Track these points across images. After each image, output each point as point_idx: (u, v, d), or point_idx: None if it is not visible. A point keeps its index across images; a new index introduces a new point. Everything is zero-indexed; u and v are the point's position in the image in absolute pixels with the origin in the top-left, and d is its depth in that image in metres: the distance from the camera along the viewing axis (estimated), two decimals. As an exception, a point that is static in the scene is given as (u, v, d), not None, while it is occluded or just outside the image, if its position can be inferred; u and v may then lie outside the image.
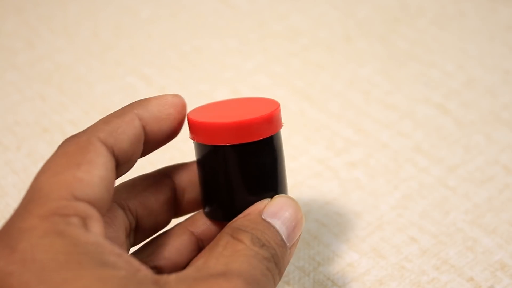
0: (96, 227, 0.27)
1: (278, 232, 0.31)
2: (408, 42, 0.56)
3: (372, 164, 0.45)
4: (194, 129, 0.32)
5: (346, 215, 0.42)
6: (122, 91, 0.52)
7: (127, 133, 0.30)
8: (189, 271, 0.28)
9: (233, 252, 0.29)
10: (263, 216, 0.31)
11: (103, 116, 0.31)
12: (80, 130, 0.30)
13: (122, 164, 0.30)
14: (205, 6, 0.62)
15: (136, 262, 0.27)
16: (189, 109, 0.34)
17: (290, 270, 0.39)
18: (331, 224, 0.41)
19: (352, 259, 0.39)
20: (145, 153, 0.32)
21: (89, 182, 0.28)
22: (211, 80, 0.54)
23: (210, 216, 0.34)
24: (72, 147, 0.29)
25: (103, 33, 0.59)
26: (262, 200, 0.32)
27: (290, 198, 0.32)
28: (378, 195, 0.43)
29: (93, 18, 0.61)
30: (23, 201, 0.28)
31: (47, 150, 0.47)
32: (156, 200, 0.33)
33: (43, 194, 0.27)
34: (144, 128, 0.31)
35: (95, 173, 0.28)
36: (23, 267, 0.25)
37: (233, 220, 0.31)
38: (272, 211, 0.31)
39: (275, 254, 0.30)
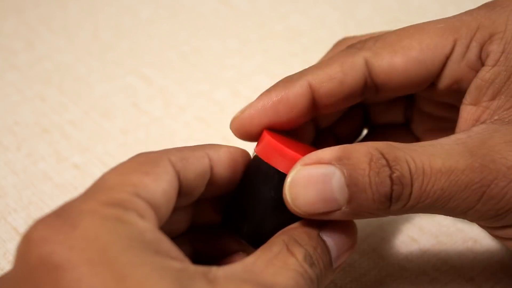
0: (151, 220, 0.28)
1: (329, 253, 0.30)
2: (408, 42, 0.56)
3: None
4: (270, 150, 0.32)
5: (346, 215, 0.42)
6: (122, 91, 0.52)
7: (195, 164, 0.31)
8: (237, 268, 0.28)
9: (283, 264, 0.29)
10: (320, 233, 0.31)
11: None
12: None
13: (183, 194, 0.31)
14: (205, 6, 0.62)
15: (181, 253, 0.27)
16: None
17: (290, 270, 0.39)
18: (331, 224, 0.41)
19: (352, 259, 0.39)
20: (205, 194, 0.32)
21: (153, 190, 0.28)
22: (211, 80, 0.54)
23: (231, 229, 0.33)
24: (142, 158, 0.30)
25: (103, 33, 0.59)
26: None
27: (351, 221, 0.31)
28: (378, 195, 0.43)
29: (93, 18, 0.61)
30: (85, 191, 0.28)
31: (47, 150, 0.47)
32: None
33: (107, 186, 0.28)
34: (211, 168, 0.31)
35: (159, 184, 0.29)
36: (86, 244, 0.25)
37: (292, 226, 0.31)
38: (331, 229, 0.31)
39: (320, 275, 0.30)
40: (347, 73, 0.33)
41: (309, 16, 0.60)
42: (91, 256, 0.25)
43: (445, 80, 0.33)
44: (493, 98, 0.32)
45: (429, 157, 0.29)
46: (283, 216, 0.31)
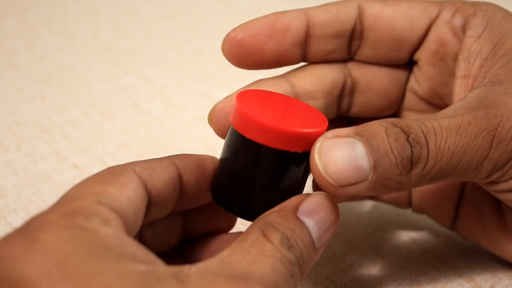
0: (116, 225, 0.27)
1: (309, 233, 0.30)
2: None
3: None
4: (244, 121, 0.31)
5: (346, 215, 0.42)
6: (122, 91, 0.52)
7: (162, 173, 0.31)
8: (212, 263, 0.28)
9: (260, 251, 0.28)
10: (297, 214, 0.30)
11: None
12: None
13: (155, 205, 0.30)
14: (205, 6, 0.62)
15: (152, 255, 0.27)
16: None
17: (290, 270, 0.39)
18: (331, 224, 0.41)
19: (352, 259, 0.39)
20: (182, 205, 0.32)
21: (116, 197, 0.28)
22: (211, 80, 0.54)
23: (220, 203, 0.32)
24: (107, 171, 0.30)
25: (103, 33, 0.59)
26: (301, 195, 0.31)
27: (329, 197, 0.31)
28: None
29: (93, 18, 0.61)
30: (51, 206, 0.28)
31: (47, 150, 0.47)
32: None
33: (70, 198, 0.28)
34: (181, 177, 0.31)
35: (124, 192, 0.29)
36: (43, 257, 0.25)
37: (268, 212, 0.30)
38: (308, 208, 0.30)
39: (301, 257, 0.29)
40: (341, 9, 0.36)
41: (309, 16, 0.60)
42: (49, 269, 0.25)
43: (431, 45, 0.36)
44: (481, 65, 0.33)
45: (436, 120, 0.31)
46: (273, 189, 0.31)
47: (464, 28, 0.35)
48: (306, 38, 0.36)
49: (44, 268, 0.25)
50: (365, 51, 0.37)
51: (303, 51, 0.36)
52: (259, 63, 0.35)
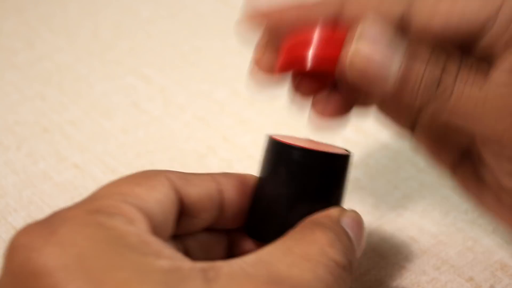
0: (141, 225, 0.27)
1: (353, 244, 0.29)
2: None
3: (372, 164, 0.45)
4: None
5: (346, 215, 0.42)
6: (122, 91, 0.52)
7: (198, 185, 0.30)
8: (248, 261, 0.26)
9: (304, 252, 0.27)
10: (341, 221, 0.30)
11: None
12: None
13: (190, 214, 0.30)
14: (205, 6, 0.62)
15: (180, 254, 0.26)
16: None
17: (290, 270, 0.38)
18: (331, 224, 0.41)
19: (352, 259, 0.39)
20: (224, 223, 0.32)
21: (144, 198, 0.28)
22: (211, 80, 0.54)
23: (256, 238, 0.32)
24: (139, 174, 0.30)
25: (103, 33, 0.59)
26: (333, 208, 0.31)
27: (361, 218, 0.31)
28: (378, 195, 0.43)
29: (93, 18, 0.61)
30: (77, 202, 0.28)
31: (47, 150, 0.47)
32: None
33: (97, 196, 0.28)
34: (222, 193, 0.31)
35: (152, 194, 0.28)
36: (61, 250, 0.25)
37: (314, 215, 0.30)
38: (349, 222, 0.30)
39: (349, 263, 0.28)
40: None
41: (309, 16, 0.60)
42: (67, 262, 0.25)
43: (490, 38, 0.32)
44: None
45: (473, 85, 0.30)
46: (303, 208, 0.31)
47: None
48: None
49: (61, 260, 0.25)
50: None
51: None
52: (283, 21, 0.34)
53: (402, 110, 0.32)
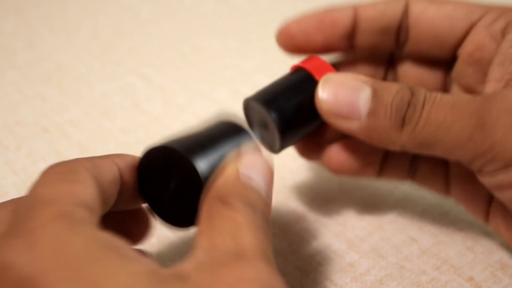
0: (97, 225, 0.27)
1: (259, 193, 0.30)
2: (408, 42, 0.56)
3: (372, 164, 0.45)
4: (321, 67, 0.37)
5: (346, 215, 0.42)
6: (122, 91, 0.52)
7: (107, 171, 0.31)
8: (200, 256, 0.27)
9: (233, 223, 0.28)
10: (241, 178, 0.30)
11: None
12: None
13: (104, 202, 0.30)
14: (205, 6, 0.62)
15: (139, 253, 0.27)
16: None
17: (290, 270, 0.39)
18: (331, 224, 0.41)
19: (352, 259, 0.39)
20: (118, 206, 0.32)
21: (86, 195, 0.28)
22: (211, 80, 0.54)
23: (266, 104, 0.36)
24: (61, 169, 0.29)
25: (103, 33, 0.59)
26: (231, 156, 0.31)
27: (256, 146, 0.31)
28: (378, 195, 0.43)
29: (93, 18, 0.61)
30: (21, 209, 0.27)
31: (47, 150, 0.47)
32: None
33: (46, 200, 0.27)
34: (120, 176, 0.31)
35: (87, 191, 0.28)
36: (51, 262, 0.25)
37: (212, 183, 0.30)
38: (246, 171, 0.30)
39: (265, 216, 0.29)
40: (389, 5, 0.38)
41: (309, 16, 0.60)
42: (59, 276, 0.25)
43: (468, 46, 0.37)
44: None
45: (443, 94, 0.34)
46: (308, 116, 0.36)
47: (503, 33, 0.35)
48: (353, 32, 0.38)
49: (53, 275, 0.25)
50: (410, 46, 0.39)
51: (351, 42, 0.39)
52: (308, 50, 0.39)
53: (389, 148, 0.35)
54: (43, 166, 0.45)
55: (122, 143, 0.48)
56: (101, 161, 0.31)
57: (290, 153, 0.46)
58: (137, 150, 0.46)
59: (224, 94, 0.52)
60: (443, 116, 0.33)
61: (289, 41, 0.39)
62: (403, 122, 0.33)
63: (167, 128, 0.49)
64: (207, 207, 0.29)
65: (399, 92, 0.34)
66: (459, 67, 0.38)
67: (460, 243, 0.40)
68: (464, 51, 0.37)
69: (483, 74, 0.36)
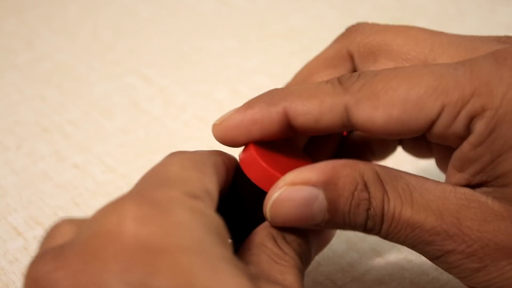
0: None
1: (310, 247, 0.32)
2: (408, 42, 0.56)
3: (372, 164, 0.45)
4: (252, 164, 0.32)
5: (346, 215, 0.42)
6: (122, 91, 0.52)
7: (222, 172, 0.31)
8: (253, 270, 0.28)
9: (284, 261, 0.29)
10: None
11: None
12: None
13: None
14: (205, 6, 0.62)
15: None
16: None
17: (290, 270, 0.39)
18: (331, 224, 0.41)
19: (352, 259, 0.39)
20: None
21: (210, 188, 0.28)
22: (211, 80, 0.54)
23: None
24: (191, 155, 0.30)
25: (103, 33, 0.59)
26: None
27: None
28: (378, 195, 0.43)
29: (93, 18, 0.61)
30: (150, 179, 0.28)
31: (47, 150, 0.47)
32: None
33: (179, 178, 0.28)
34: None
35: (213, 184, 0.29)
36: (181, 232, 0.25)
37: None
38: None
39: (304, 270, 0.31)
40: (325, 113, 0.31)
41: (308, 15, 0.60)
42: (187, 243, 0.25)
43: (433, 137, 0.31)
44: (476, 173, 0.30)
45: (402, 203, 0.30)
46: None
47: (469, 129, 0.29)
48: (290, 131, 0.32)
49: (182, 242, 0.25)
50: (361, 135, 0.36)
51: (292, 135, 0.33)
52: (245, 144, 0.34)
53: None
54: (43, 166, 0.46)
55: (122, 143, 0.48)
56: (218, 159, 0.31)
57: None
58: (137, 150, 0.46)
59: (224, 94, 0.52)
60: (403, 237, 0.30)
61: (223, 141, 0.34)
62: (364, 229, 0.30)
63: (167, 128, 0.49)
64: (267, 232, 0.30)
65: (355, 197, 0.30)
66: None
67: (460, 243, 0.40)
68: (430, 137, 0.31)
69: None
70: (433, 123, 0.29)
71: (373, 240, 0.40)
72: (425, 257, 0.31)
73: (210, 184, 0.29)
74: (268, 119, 0.32)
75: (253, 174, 0.32)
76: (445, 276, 0.38)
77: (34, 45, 0.57)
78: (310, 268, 0.38)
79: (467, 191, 0.30)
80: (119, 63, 0.55)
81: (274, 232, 0.30)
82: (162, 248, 0.24)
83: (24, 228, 0.41)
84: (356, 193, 0.30)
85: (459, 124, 0.29)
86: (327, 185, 0.30)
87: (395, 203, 0.30)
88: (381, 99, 0.30)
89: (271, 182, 0.31)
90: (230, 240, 0.27)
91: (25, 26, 0.60)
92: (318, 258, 0.39)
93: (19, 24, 0.60)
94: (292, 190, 0.30)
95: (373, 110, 0.30)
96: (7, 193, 0.44)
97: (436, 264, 0.32)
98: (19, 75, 0.54)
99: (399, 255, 0.39)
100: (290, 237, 0.30)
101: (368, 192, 0.30)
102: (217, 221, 0.27)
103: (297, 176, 0.30)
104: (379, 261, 0.39)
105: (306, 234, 0.31)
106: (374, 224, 0.30)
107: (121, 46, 0.57)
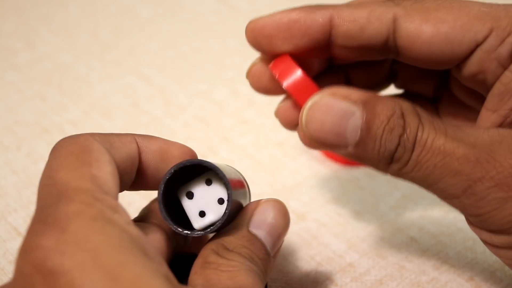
0: (126, 216, 0.27)
1: (263, 245, 0.30)
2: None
3: (372, 164, 0.45)
4: (295, 81, 0.32)
5: (346, 215, 0.42)
6: (122, 91, 0.52)
7: (121, 148, 0.30)
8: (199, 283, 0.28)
9: (230, 267, 0.29)
10: (250, 229, 0.31)
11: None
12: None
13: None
14: (205, 6, 0.62)
15: (155, 251, 0.27)
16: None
17: (290, 270, 0.39)
18: (331, 224, 0.41)
19: (352, 259, 0.39)
20: (138, 185, 0.32)
21: (104, 179, 0.28)
22: (211, 80, 0.54)
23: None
24: (74, 148, 0.29)
25: (103, 33, 0.59)
26: (250, 204, 0.31)
27: (277, 202, 0.31)
28: (378, 195, 0.43)
29: (93, 18, 0.61)
30: (49, 196, 0.28)
31: (47, 150, 0.47)
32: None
33: (71, 187, 0.27)
34: (140, 155, 0.31)
35: (105, 170, 0.28)
36: (76, 247, 0.25)
37: (220, 233, 0.31)
38: (258, 220, 0.31)
39: (262, 269, 0.30)
40: (372, 22, 0.31)
41: (309, 16, 0.60)
42: (82, 259, 0.25)
43: (471, 67, 0.32)
44: None
45: (436, 133, 0.30)
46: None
47: (511, 57, 0.31)
48: (327, 45, 0.33)
49: (77, 258, 0.25)
50: (400, 59, 0.34)
51: (325, 53, 0.34)
52: (276, 55, 0.34)
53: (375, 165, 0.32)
54: (43, 166, 0.46)
55: (122, 143, 0.48)
56: (117, 138, 0.31)
57: (290, 153, 0.46)
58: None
59: (224, 94, 0.52)
60: (432, 166, 0.30)
61: (254, 39, 0.34)
62: (391, 160, 0.30)
63: (167, 128, 0.49)
64: (206, 255, 0.30)
65: (391, 122, 0.29)
66: (457, 83, 0.35)
67: (460, 243, 0.40)
68: (466, 71, 0.32)
69: (483, 93, 0.33)
70: (477, 46, 0.31)
71: (373, 240, 0.40)
72: (446, 196, 0.30)
73: (100, 171, 0.28)
74: (311, 21, 0.32)
75: (290, 83, 0.31)
76: (445, 276, 0.38)
77: (34, 45, 0.57)
78: (310, 268, 0.38)
79: (500, 129, 0.31)
80: (119, 63, 0.55)
81: (214, 246, 0.30)
82: (58, 269, 0.25)
83: (24, 228, 0.41)
84: (392, 118, 0.29)
85: (504, 49, 0.30)
86: (365, 105, 0.29)
87: (429, 132, 0.30)
88: (431, 14, 0.31)
89: (307, 94, 0.30)
90: (145, 238, 0.27)
91: (25, 26, 0.60)
92: (318, 258, 0.39)
93: (19, 24, 0.60)
94: (332, 99, 0.29)
95: (423, 22, 0.31)
96: (7, 193, 0.44)
97: (456, 207, 0.30)
98: (19, 75, 0.54)
99: (399, 255, 0.39)
100: (232, 244, 0.30)
101: (404, 120, 0.29)
102: (122, 224, 0.26)
103: (338, 89, 0.30)
104: (379, 261, 0.39)
105: (253, 234, 0.31)
106: (404, 151, 0.29)
107: (121, 46, 0.57)
